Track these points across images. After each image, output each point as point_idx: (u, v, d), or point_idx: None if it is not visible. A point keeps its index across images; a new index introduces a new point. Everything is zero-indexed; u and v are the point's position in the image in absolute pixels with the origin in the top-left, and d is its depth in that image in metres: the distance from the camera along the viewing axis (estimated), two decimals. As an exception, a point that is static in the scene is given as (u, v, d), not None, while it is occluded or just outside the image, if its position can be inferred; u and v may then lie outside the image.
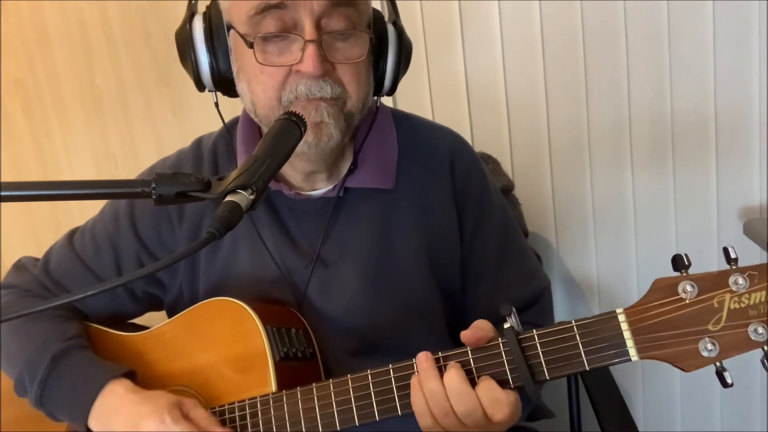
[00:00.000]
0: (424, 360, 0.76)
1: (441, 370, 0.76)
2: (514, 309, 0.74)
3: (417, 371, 0.77)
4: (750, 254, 1.45)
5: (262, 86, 0.86)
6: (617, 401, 1.22)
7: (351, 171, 0.96)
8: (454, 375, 0.74)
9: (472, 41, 1.54)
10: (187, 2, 0.91)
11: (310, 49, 0.81)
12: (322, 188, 0.97)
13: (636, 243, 1.61)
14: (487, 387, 0.73)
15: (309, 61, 0.81)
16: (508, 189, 1.49)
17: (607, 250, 1.63)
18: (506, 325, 0.74)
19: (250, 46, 0.83)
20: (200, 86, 0.92)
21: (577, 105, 1.55)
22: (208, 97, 0.94)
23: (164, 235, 1.00)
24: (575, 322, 0.72)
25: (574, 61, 1.52)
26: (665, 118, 1.53)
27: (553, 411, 1.24)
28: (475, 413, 0.73)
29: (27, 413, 0.97)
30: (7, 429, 1.00)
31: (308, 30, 0.82)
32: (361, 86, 0.88)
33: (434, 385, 0.75)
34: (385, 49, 0.90)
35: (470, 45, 1.54)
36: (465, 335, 0.76)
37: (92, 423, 0.88)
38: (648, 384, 1.69)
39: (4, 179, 0.74)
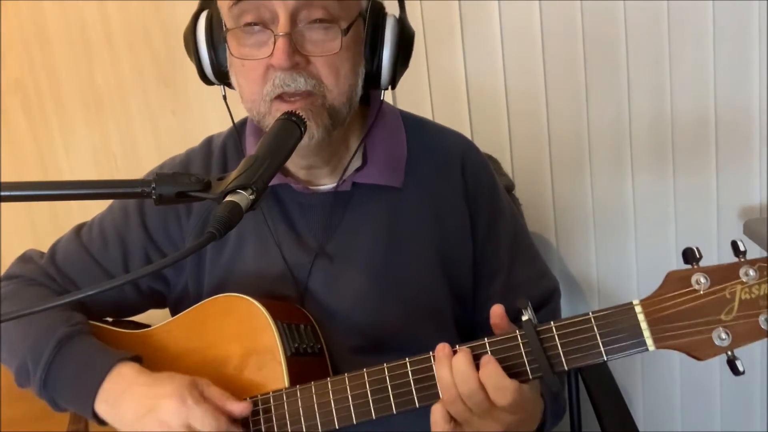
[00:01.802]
0: (440, 349, 0.77)
1: None
2: (530, 303, 0.75)
3: (434, 362, 0.78)
4: (750, 254, 1.45)
5: (246, 79, 0.88)
6: (617, 401, 1.22)
7: (359, 168, 0.97)
8: (460, 357, 0.75)
9: (472, 41, 1.54)
10: (191, 1, 0.93)
11: (280, 42, 0.83)
12: (328, 183, 0.98)
13: (636, 243, 1.61)
14: (492, 371, 0.74)
15: (278, 54, 0.83)
16: (508, 189, 1.49)
17: (607, 250, 1.63)
18: (524, 318, 0.75)
19: (225, 39, 0.86)
20: (204, 78, 0.93)
21: (577, 105, 1.55)
22: (209, 96, 0.95)
23: (172, 231, 1.01)
24: (592, 313, 0.74)
25: (574, 61, 1.52)
26: (665, 118, 1.53)
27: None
28: (476, 395, 0.74)
29: (27, 413, 0.97)
30: (7, 429, 1.00)
31: (282, 23, 0.83)
32: (342, 79, 0.87)
33: (444, 372, 0.76)
34: (381, 41, 0.90)
35: (470, 45, 1.54)
36: (498, 307, 0.78)
37: (99, 406, 0.88)
38: (648, 384, 1.69)
39: (4, 179, 0.74)
